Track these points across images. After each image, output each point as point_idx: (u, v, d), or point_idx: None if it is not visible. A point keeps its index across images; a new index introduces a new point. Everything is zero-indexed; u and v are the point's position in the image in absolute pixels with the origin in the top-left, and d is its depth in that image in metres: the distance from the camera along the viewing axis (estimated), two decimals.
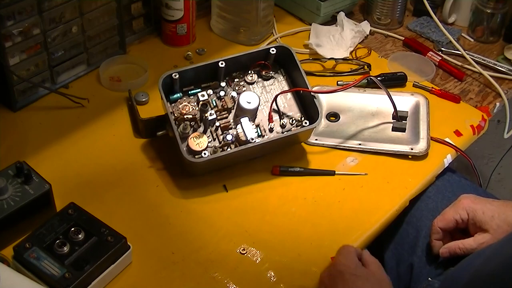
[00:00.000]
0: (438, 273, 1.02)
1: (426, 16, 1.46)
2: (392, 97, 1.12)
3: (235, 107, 1.06)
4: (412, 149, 1.11)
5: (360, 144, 1.12)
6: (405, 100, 1.20)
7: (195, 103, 1.04)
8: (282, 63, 1.11)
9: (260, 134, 1.05)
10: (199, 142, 1.01)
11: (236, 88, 1.08)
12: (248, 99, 1.04)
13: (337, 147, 1.12)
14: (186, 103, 1.03)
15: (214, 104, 1.06)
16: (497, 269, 0.78)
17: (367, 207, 1.03)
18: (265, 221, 1.00)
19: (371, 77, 1.21)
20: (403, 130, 1.15)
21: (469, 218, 0.98)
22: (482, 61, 1.36)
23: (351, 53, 1.36)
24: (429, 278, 1.01)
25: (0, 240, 0.90)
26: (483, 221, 0.97)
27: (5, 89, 1.12)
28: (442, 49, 1.39)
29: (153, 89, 1.16)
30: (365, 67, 1.31)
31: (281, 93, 1.07)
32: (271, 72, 1.10)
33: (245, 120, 1.04)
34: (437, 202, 1.09)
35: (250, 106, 1.04)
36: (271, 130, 1.06)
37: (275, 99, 1.06)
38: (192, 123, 1.03)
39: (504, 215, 0.96)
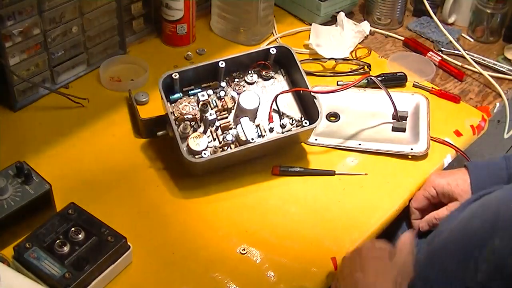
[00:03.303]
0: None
1: (426, 16, 1.46)
2: (392, 97, 1.12)
3: (235, 107, 1.06)
4: (412, 149, 1.11)
5: (360, 144, 1.12)
6: (405, 100, 1.20)
7: (195, 103, 1.04)
8: (282, 63, 1.11)
9: (260, 134, 1.05)
10: (199, 142, 1.01)
11: (236, 88, 1.08)
12: (248, 99, 1.04)
13: (337, 147, 1.12)
14: (186, 103, 1.03)
15: (214, 104, 1.06)
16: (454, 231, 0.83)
17: (367, 207, 1.03)
18: (265, 221, 1.00)
19: (371, 77, 1.21)
20: (403, 130, 1.15)
21: (438, 192, 1.03)
22: (482, 61, 1.36)
23: (351, 53, 1.36)
24: None
25: (0, 240, 0.90)
26: (450, 191, 1.01)
27: (5, 89, 1.12)
28: (442, 49, 1.40)
29: (153, 89, 1.16)
30: (365, 67, 1.31)
31: (281, 93, 1.07)
32: (271, 72, 1.10)
33: (245, 120, 1.04)
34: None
35: (250, 106, 1.04)
36: (271, 130, 1.06)
37: (275, 99, 1.06)
38: (192, 123, 1.03)
39: (468, 181, 1.01)
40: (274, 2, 1.38)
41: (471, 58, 1.34)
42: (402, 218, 1.09)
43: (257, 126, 1.05)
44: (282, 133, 1.06)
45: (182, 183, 1.04)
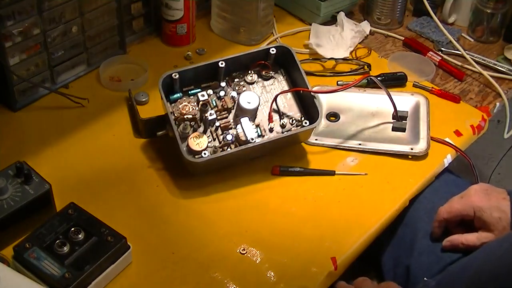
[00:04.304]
0: (434, 274, 1.02)
1: (426, 16, 1.46)
2: (392, 97, 1.12)
3: (235, 107, 1.06)
4: (412, 149, 1.11)
5: (360, 144, 1.12)
6: (405, 100, 1.20)
7: (195, 103, 1.04)
8: (282, 63, 1.11)
9: (260, 134, 1.05)
10: (199, 142, 1.01)
11: (236, 88, 1.08)
12: (248, 99, 1.04)
13: (337, 147, 1.12)
14: (186, 103, 1.03)
15: (214, 104, 1.06)
16: (499, 265, 0.79)
17: (367, 207, 1.03)
18: (265, 221, 1.00)
19: (371, 77, 1.21)
20: (403, 130, 1.15)
21: (475, 216, 0.98)
22: (482, 61, 1.36)
23: (351, 53, 1.36)
24: (425, 278, 1.01)
25: (0, 240, 0.90)
26: (489, 222, 0.97)
27: (5, 89, 1.12)
28: (442, 49, 1.40)
29: (153, 89, 1.16)
30: (365, 67, 1.31)
31: (281, 93, 1.07)
32: (271, 72, 1.10)
33: (245, 120, 1.04)
34: (433, 203, 1.09)
35: (250, 106, 1.04)
36: (271, 130, 1.06)
37: (275, 99, 1.06)
38: (192, 123, 1.03)
39: (509, 215, 0.96)
40: (274, 2, 1.38)
41: (471, 58, 1.34)
42: (399, 220, 1.09)
43: (257, 126, 1.06)
44: (282, 133, 1.06)
45: (182, 183, 1.04)
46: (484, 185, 1.02)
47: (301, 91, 1.07)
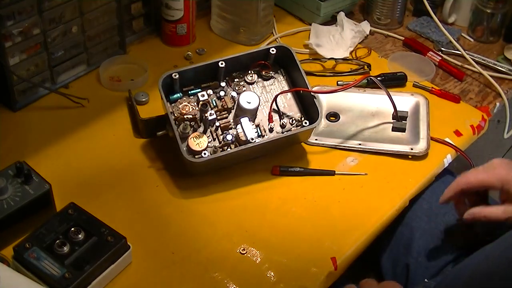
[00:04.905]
0: (434, 273, 1.02)
1: (426, 16, 1.46)
2: (392, 97, 1.12)
3: (235, 107, 1.06)
4: (412, 149, 1.11)
5: (360, 144, 1.12)
6: (405, 100, 1.20)
7: (195, 103, 1.04)
8: (282, 63, 1.11)
9: (260, 134, 1.05)
10: (199, 142, 1.01)
11: (236, 88, 1.08)
12: (248, 99, 1.04)
13: (337, 147, 1.12)
14: (186, 103, 1.03)
15: (214, 104, 1.06)
16: (494, 265, 0.79)
17: (367, 207, 1.03)
18: (265, 221, 1.00)
19: (371, 77, 1.21)
20: (403, 130, 1.15)
21: (503, 189, 0.92)
22: (482, 61, 1.36)
23: (351, 53, 1.36)
24: (426, 280, 1.01)
25: (0, 240, 0.90)
26: None
27: (5, 89, 1.12)
28: (442, 49, 1.40)
29: (153, 89, 1.16)
30: (365, 67, 1.31)
31: (281, 93, 1.07)
32: (271, 72, 1.10)
33: (245, 120, 1.04)
34: (431, 203, 1.09)
35: (250, 106, 1.04)
36: (271, 130, 1.06)
37: (275, 99, 1.06)
38: (192, 123, 1.03)
39: None
40: (274, 2, 1.38)
41: (471, 58, 1.34)
42: (397, 220, 1.09)
43: (257, 126, 1.05)
44: (282, 133, 1.06)
45: (182, 183, 1.04)
46: (506, 159, 0.95)
47: (301, 91, 1.07)
